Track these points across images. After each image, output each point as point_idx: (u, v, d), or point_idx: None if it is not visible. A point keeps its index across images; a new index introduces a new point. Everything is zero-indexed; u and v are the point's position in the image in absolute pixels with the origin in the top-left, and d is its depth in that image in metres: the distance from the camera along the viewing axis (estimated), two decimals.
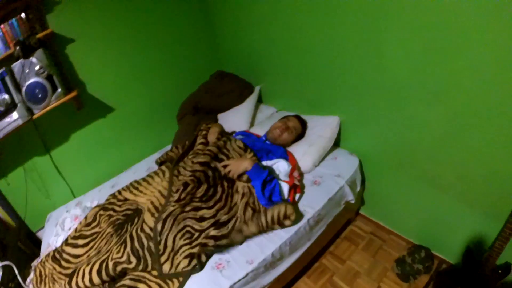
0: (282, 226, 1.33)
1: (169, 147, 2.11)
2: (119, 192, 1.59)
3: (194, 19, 2.11)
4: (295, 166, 1.58)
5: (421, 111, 1.32)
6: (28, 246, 1.62)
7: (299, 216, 1.38)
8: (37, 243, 1.71)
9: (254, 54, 2.03)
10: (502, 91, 1.05)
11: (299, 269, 1.58)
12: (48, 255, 1.45)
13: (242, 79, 2.16)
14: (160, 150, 2.16)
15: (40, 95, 1.52)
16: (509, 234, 1.05)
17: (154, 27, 1.93)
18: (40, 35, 1.50)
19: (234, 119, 2.01)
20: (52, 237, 1.54)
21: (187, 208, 1.37)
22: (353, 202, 1.63)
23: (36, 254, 1.61)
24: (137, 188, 1.59)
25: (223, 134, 1.67)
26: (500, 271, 1.16)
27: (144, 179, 1.62)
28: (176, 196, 1.39)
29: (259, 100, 2.22)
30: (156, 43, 1.97)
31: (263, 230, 1.32)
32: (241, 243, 1.32)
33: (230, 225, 1.34)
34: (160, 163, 1.85)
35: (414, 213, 1.62)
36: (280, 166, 1.53)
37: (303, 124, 1.78)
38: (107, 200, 1.58)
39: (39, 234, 1.79)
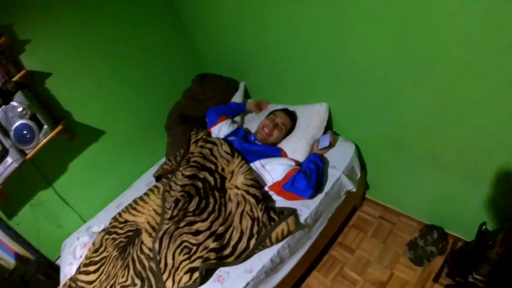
0: None
1: (164, 159, 2.13)
2: (120, 214, 1.63)
3: (167, 29, 2.08)
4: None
5: (409, 89, 1.21)
6: (49, 276, 1.72)
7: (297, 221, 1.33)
8: (59, 271, 1.81)
9: (233, 52, 1.96)
10: (494, 57, 0.93)
11: (307, 266, 1.56)
12: (65, 284, 1.52)
13: (224, 78, 2.10)
14: (157, 163, 2.18)
15: (28, 136, 1.56)
16: None
17: (129, 46, 1.92)
18: (16, 77, 1.52)
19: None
20: (67, 266, 1.62)
21: (182, 224, 1.37)
22: (354, 190, 1.56)
23: (58, 282, 1.71)
24: (135, 208, 1.62)
25: (209, 140, 1.64)
26: None
27: (141, 198, 1.64)
28: (169, 213, 1.40)
29: (247, 96, 2.16)
30: (134, 60, 1.96)
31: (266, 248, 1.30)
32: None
33: (227, 235, 1.33)
34: (157, 177, 1.87)
35: (421, 193, 1.53)
36: (280, 161, 1.49)
37: (292, 118, 1.70)
38: (110, 223, 1.63)
39: (58, 262, 1.89)
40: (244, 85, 2.09)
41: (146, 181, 2.04)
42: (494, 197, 1.22)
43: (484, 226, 1.15)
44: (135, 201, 1.64)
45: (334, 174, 1.48)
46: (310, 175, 1.39)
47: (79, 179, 1.90)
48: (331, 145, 1.57)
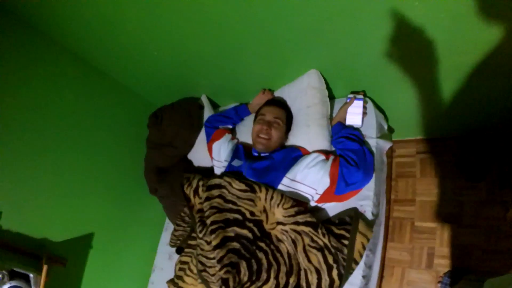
0: None
1: (169, 222, 1.80)
2: None
3: (85, 88, 1.66)
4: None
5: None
6: None
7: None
8: None
9: (168, 66, 1.54)
10: None
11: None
12: None
13: (181, 102, 1.68)
14: (164, 226, 1.88)
15: None
16: None
17: (65, 126, 1.55)
18: None
19: (206, 152, 1.56)
20: None
21: None
22: (391, 145, 1.35)
23: None
24: None
25: (211, 185, 1.28)
26: None
27: (177, 286, 1.33)
28: None
29: (216, 106, 1.79)
30: (71, 137, 1.58)
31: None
32: None
33: (303, 283, 1.09)
34: (176, 249, 1.53)
35: (447, 109, 1.33)
36: (308, 163, 1.18)
37: (283, 106, 1.38)
38: None
39: None
40: (206, 98, 1.70)
41: (165, 255, 1.76)
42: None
43: None
44: None
45: (371, 143, 1.23)
46: (359, 158, 1.11)
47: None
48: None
